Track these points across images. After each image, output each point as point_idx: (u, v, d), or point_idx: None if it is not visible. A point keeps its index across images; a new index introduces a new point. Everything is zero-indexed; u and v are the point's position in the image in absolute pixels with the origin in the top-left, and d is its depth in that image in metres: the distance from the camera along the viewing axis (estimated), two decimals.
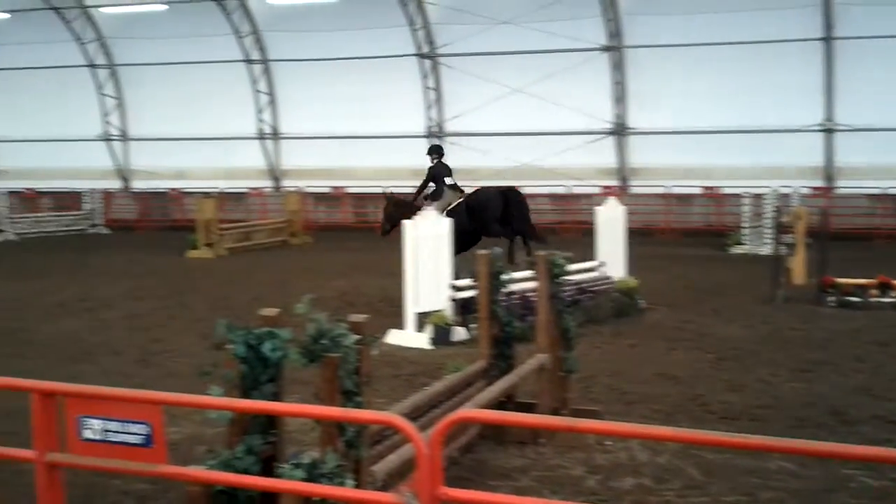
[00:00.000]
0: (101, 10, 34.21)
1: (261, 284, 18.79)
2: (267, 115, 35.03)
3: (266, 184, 35.36)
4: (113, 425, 3.38)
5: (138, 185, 36.96)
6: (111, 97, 36.47)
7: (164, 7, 33.13)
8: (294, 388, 5.11)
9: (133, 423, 3.35)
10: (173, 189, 35.64)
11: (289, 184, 34.54)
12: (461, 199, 15.70)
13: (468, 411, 4.93)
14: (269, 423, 4.85)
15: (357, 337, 4.94)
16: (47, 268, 21.91)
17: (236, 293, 17.57)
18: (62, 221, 32.40)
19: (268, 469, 4.73)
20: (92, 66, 35.88)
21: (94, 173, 36.19)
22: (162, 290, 18.05)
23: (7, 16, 34.59)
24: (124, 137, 36.92)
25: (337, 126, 33.20)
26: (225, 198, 32.58)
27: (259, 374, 4.73)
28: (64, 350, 12.48)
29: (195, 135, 34.80)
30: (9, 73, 36.32)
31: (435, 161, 16.25)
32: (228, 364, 4.71)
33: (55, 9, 34.10)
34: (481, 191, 15.99)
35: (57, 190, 36.19)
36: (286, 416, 3.85)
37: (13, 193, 33.59)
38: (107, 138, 36.66)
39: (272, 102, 34.97)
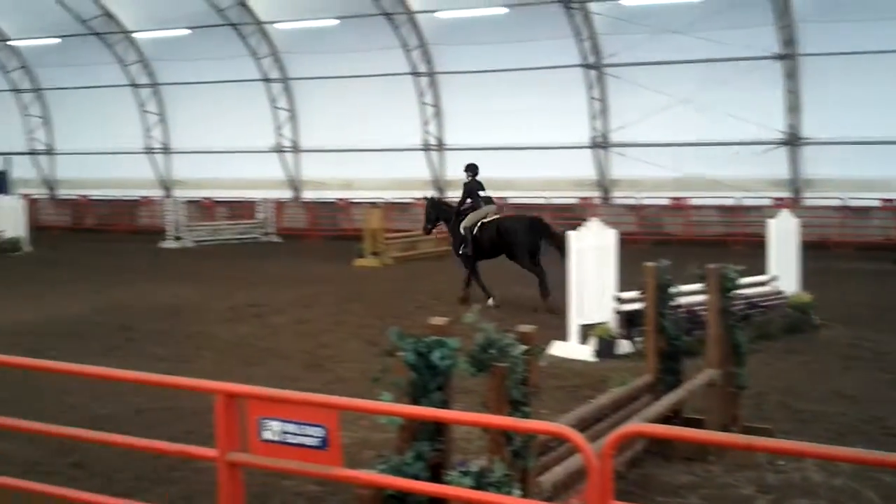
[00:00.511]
0: (276, 26, 35.42)
1: (425, 293, 19.02)
2: (432, 127, 35.51)
3: (430, 194, 35.81)
4: (291, 427, 3.48)
5: (308, 195, 38.06)
6: (284, 110, 37.69)
7: (335, 22, 34.04)
8: (458, 397, 5.15)
9: (310, 425, 3.45)
10: (341, 199, 36.54)
11: (452, 194, 34.88)
12: (496, 218, 17.63)
13: (640, 425, 4.85)
14: (437, 430, 4.90)
15: (525, 347, 4.94)
16: (222, 274, 22.79)
17: (401, 301, 17.85)
18: (236, 230, 33.64)
19: (435, 476, 4.78)
20: (266, 80, 37.19)
21: (267, 184, 37.48)
22: (329, 298, 18.50)
23: (189, 32, 36.24)
24: (295, 149, 38.10)
25: (500, 137, 33.34)
26: (391, 208, 33.18)
27: (428, 381, 4.79)
28: (237, 353, 12.95)
29: (362, 146, 35.62)
30: (191, 86, 38.05)
31: (469, 178, 18.03)
32: (398, 371, 4.78)
33: (233, 25, 35.51)
34: (513, 217, 18.08)
35: (232, 199, 37.64)
36: (456, 423, 3.88)
37: (191, 202, 35.11)
38: (279, 150, 37.90)
39: (437, 114, 35.43)
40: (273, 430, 3.51)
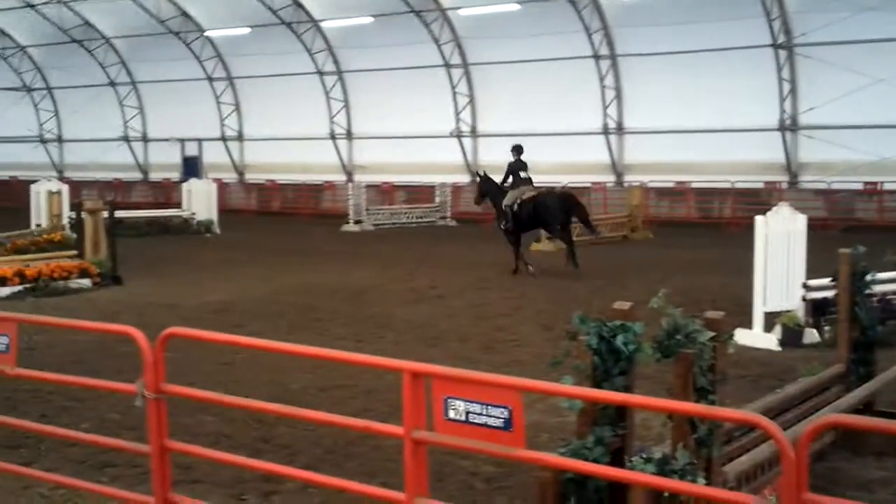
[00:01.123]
0: (458, 11, 35.70)
1: (601, 278, 18.83)
2: (612, 110, 35.07)
3: (609, 178, 35.40)
4: (475, 407, 3.48)
5: None
6: (463, 95, 37.99)
7: (516, 7, 34.03)
8: (637, 382, 5.06)
9: (494, 406, 3.44)
10: None
11: (631, 178, 34.36)
12: (534, 195, 19.30)
13: (839, 416, 4.63)
14: (619, 415, 4.82)
15: (712, 334, 4.81)
16: (401, 256, 23.20)
17: (577, 286, 17.72)
18: (414, 213, 34.17)
19: (616, 461, 4.71)
20: (447, 65, 37.55)
21: (445, 168, 37.89)
22: (506, 282, 18.55)
23: (371, 20, 37.00)
24: (473, 133, 38.36)
25: (682, 120, 32.60)
26: None
27: (610, 366, 4.72)
28: (417, 334, 13.15)
29: (541, 131, 35.49)
30: (373, 73, 38.84)
31: (515, 157, 19.76)
32: (581, 355, 4.73)
33: (416, 12, 36.01)
34: (547, 194, 19.90)
35: (410, 184, 38.25)
36: (642, 408, 3.81)
37: (371, 187, 35.88)
38: (458, 135, 38.23)
39: (618, 97, 34.95)
40: (458, 409, 3.52)
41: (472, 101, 38.05)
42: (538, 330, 13.34)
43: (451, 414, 3.53)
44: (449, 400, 3.53)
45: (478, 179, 21.37)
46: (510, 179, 19.75)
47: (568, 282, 18.36)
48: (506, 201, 19.45)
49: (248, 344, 4.52)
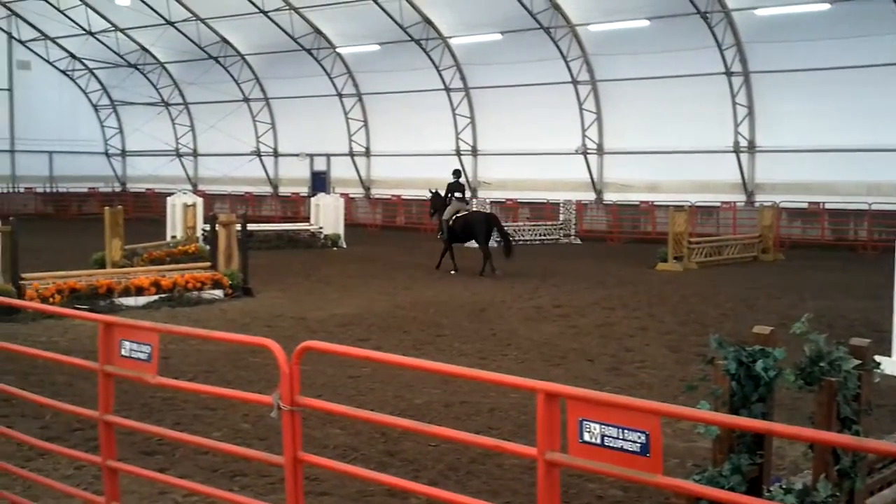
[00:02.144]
0: (588, 28, 35.53)
1: (730, 300, 18.42)
2: (744, 128, 34.32)
3: (739, 198, 34.64)
4: (611, 431, 3.41)
5: (611, 197, 37.89)
6: (590, 112, 37.74)
7: (645, 23, 33.68)
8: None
9: (631, 430, 3.36)
10: (644, 201, 36.12)
11: (762, 198, 33.53)
12: (466, 214, 23.18)
13: None
14: (756, 442, 4.67)
15: (857, 362, 4.61)
16: (525, 274, 23.10)
17: (705, 307, 17.37)
18: (538, 230, 34.05)
19: (752, 490, 4.56)
20: (574, 82, 37.38)
21: (570, 185, 37.70)
22: (632, 301, 18.29)
23: (499, 36, 37.15)
24: (600, 151, 38.06)
25: (817, 139, 31.70)
26: (696, 211, 32.43)
27: (749, 392, 4.58)
28: (541, 352, 13.06)
29: (669, 148, 35.03)
30: (500, 90, 38.97)
31: (454, 179, 23.93)
32: (718, 380, 4.60)
33: (545, 28, 35.96)
34: (475, 213, 23.78)
35: (535, 200, 38.17)
36: (786, 437, 3.67)
37: (495, 203, 35.91)
38: (584, 152, 37.98)
39: (750, 114, 34.20)
40: (593, 432, 3.45)
41: (598, 118, 37.76)
42: (665, 352, 13.09)
43: (586, 437, 3.46)
44: (584, 422, 3.46)
45: (429, 195, 24.83)
46: (450, 197, 23.62)
47: (694, 303, 18.00)
48: (444, 216, 23.33)
49: (381, 359, 4.54)
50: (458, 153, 41.34)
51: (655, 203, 35.35)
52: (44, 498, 6.67)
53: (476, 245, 23.58)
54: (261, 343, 4.46)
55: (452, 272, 22.93)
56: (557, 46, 36.55)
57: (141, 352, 4.90)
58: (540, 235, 33.67)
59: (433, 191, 24.65)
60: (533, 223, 34.98)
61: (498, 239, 23.69)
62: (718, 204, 34.49)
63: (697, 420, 3.61)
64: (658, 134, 35.13)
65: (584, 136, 37.98)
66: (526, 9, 35.25)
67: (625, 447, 3.38)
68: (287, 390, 4.19)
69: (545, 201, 37.25)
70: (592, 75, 37.29)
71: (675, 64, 33.90)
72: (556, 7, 35.61)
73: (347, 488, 7.21)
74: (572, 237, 34.01)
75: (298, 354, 4.26)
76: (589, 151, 38.10)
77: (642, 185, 36.63)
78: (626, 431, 3.38)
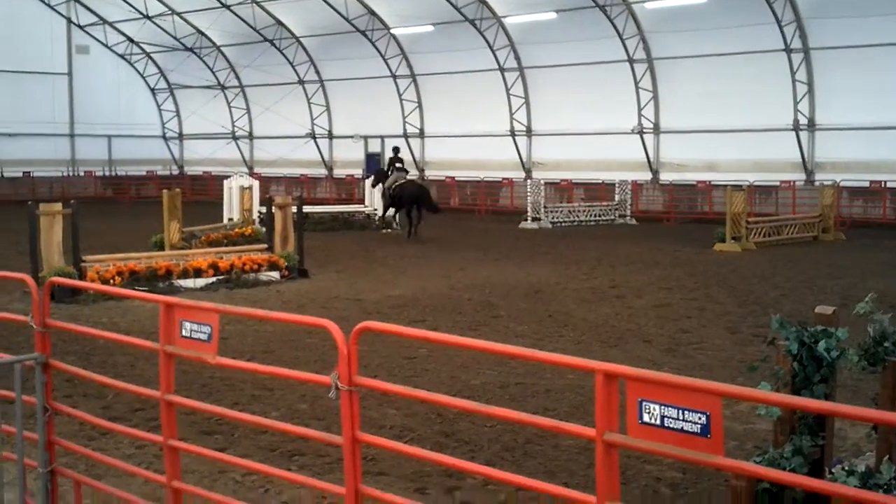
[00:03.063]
0: (644, 5, 35.13)
1: (789, 280, 18.19)
2: (803, 106, 33.74)
3: (798, 177, 34.10)
4: (671, 411, 3.37)
5: (667, 177, 37.52)
6: (646, 90, 37.36)
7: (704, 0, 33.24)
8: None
9: (691, 411, 3.32)
10: (701, 181, 35.73)
11: (822, 177, 32.98)
12: (401, 183, 27.27)
13: None
14: (818, 424, 4.61)
15: None
16: (580, 255, 23.01)
17: (764, 288, 17.17)
18: (593, 211, 33.81)
19: (814, 472, 4.50)
20: (630, 60, 37.01)
21: (626, 165, 37.39)
22: (689, 282, 18.12)
23: (554, 15, 36.88)
24: (656, 130, 37.68)
25: (879, 116, 31.09)
26: (755, 190, 31.99)
27: (811, 373, 4.52)
28: (598, 333, 13.00)
29: (727, 127, 34.57)
30: (555, 69, 38.74)
31: (393, 155, 29.06)
32: (780, 360, 4.53)
33: (601, 6, 35.62)
34: (409, 182, 27.91)
35: (589, 181, 37.93)
36: (851, 418, 3.60)
37: (549, 184, 35.75)
38: (640, 131, 37.63)
39: (810, 92, 33.61)
40: (652, 413, 3.41)
41: (655, 97, 37.36)
42: (723, 333, 12.96)
43: (646, 417, 3.43)
44: (644, 403, 3.43)
45: (377, 169, 31.42)
46: (391, 169, 28.46)
47: (753, 284, 17.79)
48: (386, 184, 28.09)
49: (439, 339, 4.54)
50: (513, 134, 41.19)
51: (713, 183, 34.92)
52: (106, 477, 6.79)
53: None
54: (319, 324, 4.48)
55: (394, 228, 28.89)
56: (613, 24, 36.16)
57: (201, 332, 4.95)
58: (595, 216, 33.43)
59: (379, 168, 31.65)
60: (588, 204, 34.72)
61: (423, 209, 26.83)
62: (777, 183, 33.99)
63: (759, 401, 3.56)
64: (715, 112, 34.66)
65: (640, 115, 37.60)
66: None
67: (685, 428, 3.34)
68: (345, 371, 4.21)
69: (600, 182, 36.99)
70: (649, 53, 36.87)
71: (732, 41, 33.40)
72: None
73: (404, 468, 7.25)
74: (628, 218, 33.74)
75: (356, 335, 4.28)
76: (645, 131, 37.73)
77: (699, 165, 36.20)
78: (686, 412, 3.34)
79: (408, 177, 28.55)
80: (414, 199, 26.65)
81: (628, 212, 33.97)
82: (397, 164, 28.36)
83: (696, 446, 3.32)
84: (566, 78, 38.53)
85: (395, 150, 29.67)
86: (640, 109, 37.56)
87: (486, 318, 14.20)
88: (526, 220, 32.25)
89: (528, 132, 41.26)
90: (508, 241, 27.07)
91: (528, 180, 36.32)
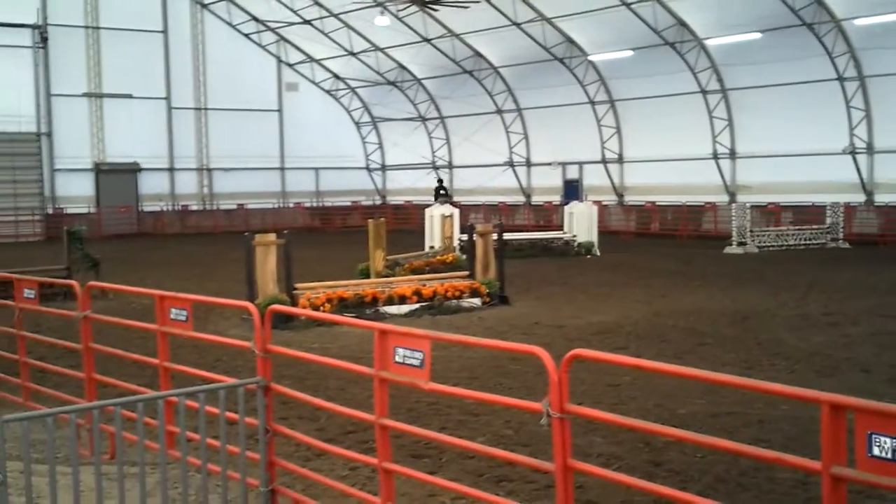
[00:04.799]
0: (854, 22, 33.68)
1: None
2: None
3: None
4: None
5: (883, 198, 35.65)
6: (858, 109, 35.70)
7: None
8: None
9: None
10: None
11: None
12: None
13: None
14: None
15: None
16: (789, 280, 22.16)
17: None
18: (802, 235, 32.55)
19: None
20: (841, 79, 35.48)
21: (837, 187, 35.78)
22: None
23: (758, 35, 35.86)
24: (869, 150, 35.92)
25: None
26: None
27: None
28: (810, 363, 12.47)
29: None
30: (759, 90, 37.62)
31: (436, 186, 41.67)
32: None
33: (808, 24, 34.38)
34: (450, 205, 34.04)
35: (798, 204, 36.54)
36: None
37: (755, 207, 34.66)
38: (852, 151, 35.95)
39: None
40: (883, 446, 3.25)
41: (867, 115, 35.64)
42: None
43: (876, 451, 3.27)
44: (873, 436, 3.27)
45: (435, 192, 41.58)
46: (437, 195, 39.06)
47: None
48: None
49: (651, 367, 4.48)
50: (716, 157, 40.18)
51: None
52: (322, 497, 7.02)
53: None
54: (529, 350, 4.51)
55: None
56: (822, 42, 34.79)
57: (414, 358, 5.07)
58: (805, 240, 32.17)
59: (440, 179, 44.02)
60: (797, 227, 33.44)
61: None
62: None
63: None
64: None
65: (851, 134, 35.92)
66: (787, 5, 33.83)
67: None
68: (556, 398, 4.21)
69: (810, 204, 35.57)
70: (860, 71, 35.23)
71: None
72: (820, 2, 33.95)
73: (612, 497, 7.16)
74: (840, 241, 32.29)
75: (567, 362, 4.28)
76: (857, 151, 36.01)
77: None
78: None
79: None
80: None
81: (840, 235, 32.51)
82: (441, 192, 39.25)
83: None
84: (771, 99, 37.31)
85: (440, 181, 41.84)
86: (851, 129, 35.88)
87: (691, 346, 13.88)
88: (731, 244, 31.40)
89: (732, 155, 40.17)
90: (713, 266, 26.39)
91: (733, 204, 35.30)
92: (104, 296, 18.73)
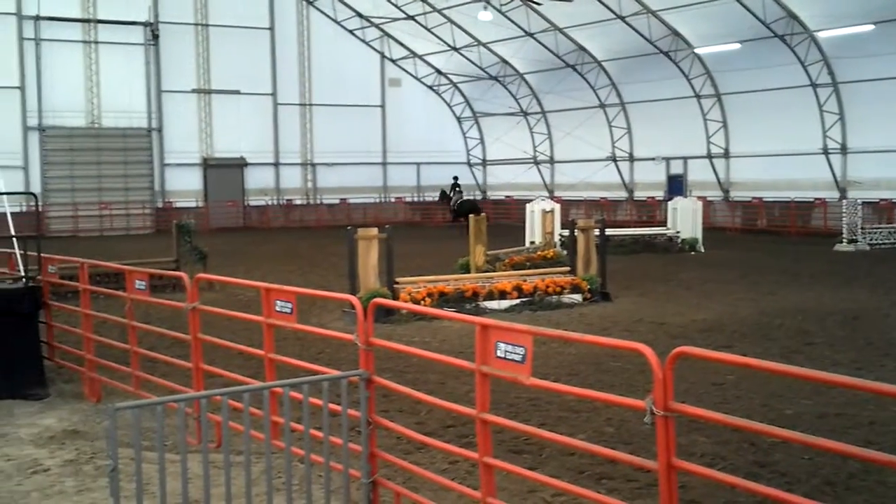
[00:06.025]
0: None
1: None
2: None
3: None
4: None
5: None
6: None
7: None
8: None
9: None
10: None
11: None
12: (461, 201, 39.99)
13: None
14: None
15: None
16: None
17: None
18: None
19: None
20: None
21: None
22: None
23: (871, 27, 34.77)
24: None
25: None
26: None
27: None
28: None
29: None
30: (873, 83, 36.49)
31: (453, 182, 41.70)
32: None
33: None
34: (466, 200, 39.94)
35: None
36: None
37: (867, 204, 33.63)
38: None
39: None
40: None
41: None
42: None
43: None
44: None
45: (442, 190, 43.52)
46: (453, 192, 41.11)
47: None
48: (451, 203, 40.78)
49: (759, 366, 4.37)
50: (826, 152, 39.07)
51: None
52: (422, 490, 7.06)
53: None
54: (632, 347, 4.45)
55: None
56: None
57: (516, 353, 5.05)
58: None
59: (442, 189, 43.40)
60: None
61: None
62: None
63: None
64: None
65: None
66: None
67: None
68: (661, 395, 4.15)
69: None
70: None
71: None
72: None
73: (716, 497, 7.04)
74: None
75: (672, 360, 4.21)
76: None
77: None
78: None
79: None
80: (468, 210, 34.73)
81: None
82: (457, 188, 41.12)
83: None
84: (885, 92, 36.11)
85: (455, 178, 42.42)
86: None
87: (799, 346, 13.55)
88: (841, 241, 30.55)
89: (843, 150, 39.02)
90: (821, 264, 25.70)
91: (844, 200, 34.31)
92: (211, 288, 19.17)
